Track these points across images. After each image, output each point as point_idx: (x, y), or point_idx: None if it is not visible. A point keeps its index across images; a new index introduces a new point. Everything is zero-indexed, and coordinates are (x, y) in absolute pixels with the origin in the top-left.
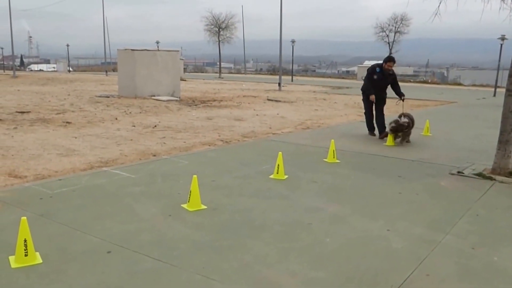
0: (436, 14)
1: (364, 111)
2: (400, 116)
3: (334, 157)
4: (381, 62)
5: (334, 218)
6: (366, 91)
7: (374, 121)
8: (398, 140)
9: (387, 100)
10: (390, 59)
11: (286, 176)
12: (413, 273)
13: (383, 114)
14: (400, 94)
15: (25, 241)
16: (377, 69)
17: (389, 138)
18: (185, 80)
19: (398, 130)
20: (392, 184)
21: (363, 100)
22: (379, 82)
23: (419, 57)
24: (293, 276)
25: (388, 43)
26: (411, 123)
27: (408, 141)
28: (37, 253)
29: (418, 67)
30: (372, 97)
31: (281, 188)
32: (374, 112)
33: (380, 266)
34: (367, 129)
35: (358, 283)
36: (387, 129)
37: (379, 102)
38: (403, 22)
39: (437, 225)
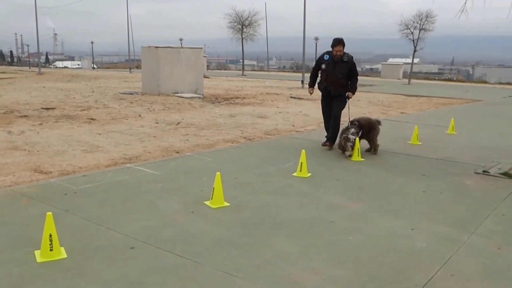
0: (463, 11)
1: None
2: (350, 124)
3: (358, 155)
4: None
5: (357, 216)
6: (310, 85)
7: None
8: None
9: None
10: (337, 42)
11: (309, 174)
12: (437, 273)
13: (338, 119)
14: (350, 89)
15: (50, 236)
16: (325, 56)
17: (354, 153)
18: (208, 78)
19: (344, 149)
20: (416, 183)
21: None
22: (330, 72)
23: (444, 55)
24: (315, 273)
25: (413, 40)
26: (359, 133)
27: (374, 151)
28: (62, 248)
29: (443, 64)
30: (310, 90)
31: (303, 186)
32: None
33: (403, 265)
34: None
35: (381, 281)
36: (337, 142)
37: (334, 101)
38: (428, 19)
39: (462, 224)
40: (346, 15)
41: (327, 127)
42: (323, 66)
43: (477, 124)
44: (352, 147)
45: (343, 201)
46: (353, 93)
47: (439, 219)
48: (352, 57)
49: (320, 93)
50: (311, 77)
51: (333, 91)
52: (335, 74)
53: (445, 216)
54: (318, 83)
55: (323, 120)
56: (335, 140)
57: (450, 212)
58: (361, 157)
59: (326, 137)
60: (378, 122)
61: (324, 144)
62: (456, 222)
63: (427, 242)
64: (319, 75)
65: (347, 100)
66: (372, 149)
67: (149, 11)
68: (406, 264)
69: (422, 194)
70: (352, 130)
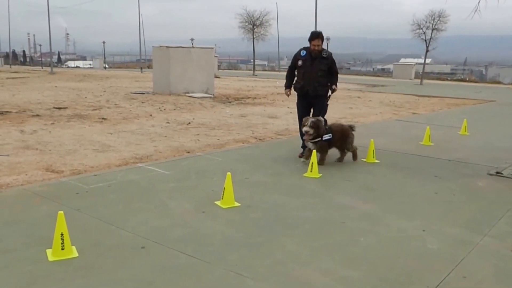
0: (476, 10)
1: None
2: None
3: (373, 157)
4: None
5: (368, 217)
6: (287, 85)
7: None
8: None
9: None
10: (316, 35)
11: (320, 175)
12: (449, 275)
13: None
14: (332, 86)
15: (62, 235)
16: (302, 52)
17: (369, 154)
18: (219, 77)
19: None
20: (428, 184)
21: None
22: (307, 70)
23: (457, 55)
24: (326, 274)
25: (425, 40)
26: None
27: (340, 160)
28: (73, 247)
29: (455, 65)
30: (287, 92)
31: (314, 186)
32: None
33: (415, 267)
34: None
35: (392, 283)
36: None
37: (314, 104)
38: (440, 19)
39: (475, 226)
40: (358, 15)
41: (303, 135)
42: (300, 62)
43: (490, 125)
44: (312, 127)
45: (354, 202)
46: (337, 87)
47: (451, 221)
48: (331, 54)
49: (297, 95)
50: (287, 77)
51: (311, 91)
52: (314, 72)
53: (458, 218)
54: (294, 83)
55: (299, 128)
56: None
57: (462, 213)
58: (376, 159)
59: (302, 147)
60: (352, 128)
61: (301, 155)
62: (469, 223)
63: (439, 244)
64: (296, 74)
65: (327, 103)
66: (342, 158)
67: (160, 11)
68: (417, 266)
69: (434, 195)
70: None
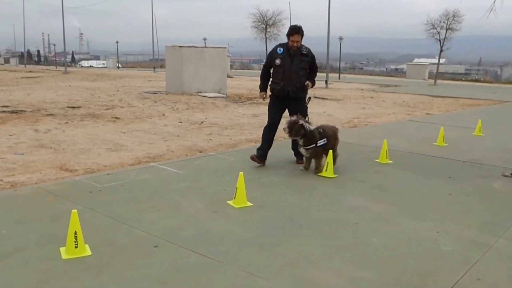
0: (491, 10)
1: None
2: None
3: (386, 158)
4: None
5: (382, 218)
6: (262, 88)
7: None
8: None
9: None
10: (295, 30)
11: (335, 175)
12: (463, 277)
13: None
14: (307, 81)
15: (75, 233)
16: (279, 50)
17: (382, 155)
18: (231, 77)
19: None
20: (442, 185)
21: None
22: (287, 68)
23: (471, 55)
24: (339, 275)
25: (439, 40)
26: (324, 143)
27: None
28: (87, 245)
29: (470, 65)
30: (262, 95)
31: (328, 187)
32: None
33: (428, 269)
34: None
35: (406, 285)
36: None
37: (292, 106)
38: (455, 18)
39: (489, 228)
40: (371, 14)
41: (267, 139)
42: (278, 61)
43: (505, 126)
44: (290, 128)
45: (367, 202)
46: (313, 85)
47: (465, 222)
48: (310, 49)
49: (271, 97)
50: (262, 78)
51: (292, 92)
52: (294, 70)
53: (472, 219)
54: (271, 84)
55: (264, 129)
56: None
57: (476, 215)
58: (389, 159)
59: (258, 149)
60: (337, 130)
61: (253, 158)
62: (483, 225)
63: (453, 245)
64: (272, 74)
65: (307, 102)
66: (334, 160)
67: (173, 11)
68: (431, 267)
69: (448, 196)
70: (306, 124)
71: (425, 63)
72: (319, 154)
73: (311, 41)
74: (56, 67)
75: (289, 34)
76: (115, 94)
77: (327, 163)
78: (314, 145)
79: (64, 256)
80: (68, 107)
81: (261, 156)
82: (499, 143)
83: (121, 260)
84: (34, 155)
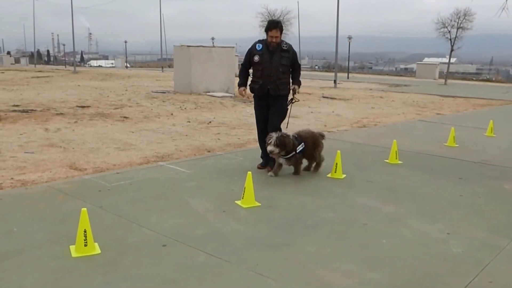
0: (504, 8)
1: None
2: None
3: (396, 158)
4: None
5: (391, 219)
6: (240, 83)
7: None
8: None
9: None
10: (273, 25)
11: (344, 176)
12: (474, 279)
13: (279, 126)
14: (294, 83)
15: (85, 231)
16: (258, 46)
17: (392, 156)
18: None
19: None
20: (453, 186)
21: None
22: (266, 65)
23: (483, 54)
24: (348, 276)
25: (450, 39)
26: (302, 148)
27: (316, 169)
28: (96, 244)
29: (481, 64)
30: (241, 90)
31: (337, 187)
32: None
33: (439, 270)
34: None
35: (416, 286)
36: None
37: (272, 106)
38: (466, 17)
39: (501, 230)
40: (380, 13)
41: (263, 143)
42: (256, 58)
43: None
44: (277, 145)
45: (376, 203)
46: (299, 86)
47: (476, 224)
48: (291, 45)
49: (254, 98)
50: (241, 74)
51: (272, 90)
52: (274, 67)
53: (483, 221)
54: (250, 83)
55: (258, 135)
56: (268, 163)
57: (488, 217)
58: (399, 160)
59: (262, 157)
60: (322, 136)
61: (261, 167)
62: (495, 227)
63: (464, 247)
64: (251, 72)
65: (290, 103)
66: (313, 167)
67: (181, 10)
68: (442, 269)
69: (458, 198)
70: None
71: (436, 63)
72: (299, 160)
73: (320, 40)
74: (65, 67)
75: (267, 30)
76: (123, 94)
77: (336, 163)
78: (294, 152)
79: (73, 254)
80: (77, 106)
81: (265, 163)
82: (511, 144)
83: (129, 259)
84: (44, 154)
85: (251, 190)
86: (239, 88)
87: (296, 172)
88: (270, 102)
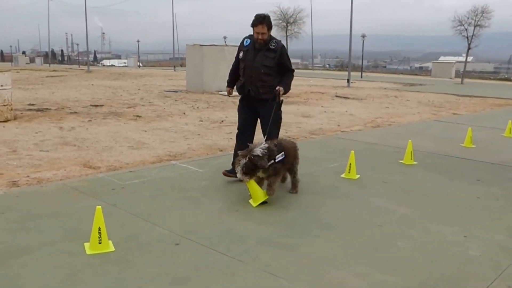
0: None
1: None
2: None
3: (411, 159)
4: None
5: (406, 220)
6: (229, 83)
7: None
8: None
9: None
10: (259, 20)
11: (358, 176)
12: (492, 284)
13: (276, 136)
14: (280, 83)
15: (99, 229)
16: (246, 41)
17: (407, 156)
18: None
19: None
20: (470, 188)
21: None
22: (249, 64)
23: (501, 53)
24: (361, 278)
25: (467, 37)
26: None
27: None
28: (110, 241)
29: (499, 63)
30: (228, 90)
31: (351, 188)
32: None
33: (455, 274)
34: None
35: None
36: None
37: (262, 112)
38: (483, 15)
39: None
40: (395, 11)
41: (236, 152)
42: (241, 54)
43: None
44: (246, 173)
45: (392, 204)
46: (285, 90)
47: (494, 227)
48: (283, 45)
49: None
50: (230, 73)
51: (253, 92)
52: (255, 67)
53: (501, 224)
54: (238, 81)
55: (237, 139)
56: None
57: (506, 219)
58: (414, 160)
59: (231, 169)
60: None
61: (227, 173)
62: None
63: (481, 251)
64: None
65: (278, 105)
66: (295, 186)
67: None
68: (458, 273)
69: (476, 200)
70: (259, 149)
71: (452, 61)
72: (278, 171)
73: (333, 39)
74: (79, 66)
75: (252, 25)
76: (136, 93)
77: (349, 164)
78: (272, 161)
79: (88, 251)
80: (91, 105)
81: (232, 171)
82: None
83: (143, 257)
84: (59, 152)
85: (264, 189)
86: (226, 86)
87: (271, 187)
88: (258, 107)
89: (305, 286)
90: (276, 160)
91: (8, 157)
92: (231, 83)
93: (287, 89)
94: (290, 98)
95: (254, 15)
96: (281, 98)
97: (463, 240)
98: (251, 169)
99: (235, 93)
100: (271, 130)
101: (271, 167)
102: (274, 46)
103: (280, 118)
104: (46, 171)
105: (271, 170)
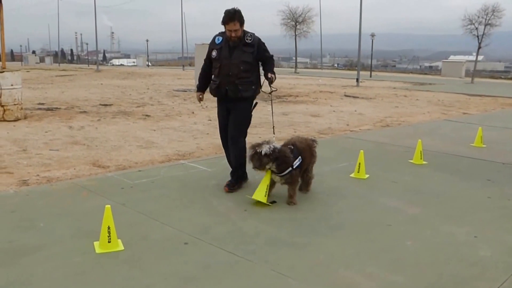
0: None
1: None
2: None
3: (421, 158)
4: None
5: (416, 220)
6: (199, 87)
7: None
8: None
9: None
10: (230, 16)
11: (367, 176)
12: (503, 285)
13: (239, 144)
14: (267, 74)
15: (108, 228)
16: (218, 39)
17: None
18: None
19: (260, 165)
20: (481, 188)
21: None
22: (225, 62)
23: None
24: (371, 278)
25: (477, 36)
26: (298, 162)
27: (307, 188)
28: (119, 240)
29: (510, 62)
30: (198, 95)
31: (360, 187)
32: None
33: (465, 274)
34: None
35: None
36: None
37: (233, 111)
38: (494, 13)
39: None
40: (404, 10)
41: (229, 156)
42: (214, 53)
43: None
44: (260, 164)
45: (401, 204)
46: (275, 76)
47: (505, 228)
48: (259, 38)
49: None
50: (200, 76)
51: (231, 92)
52: (234, 65)
53: None
54: (210, 84)
55: (222, 145)
56: (239, 181)
57: None
58: (423, 160)
59: (231, 173)
60: (314, 142)
61: (228, 190)
62: None
63: (492, 251)
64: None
65: (252, 107)
66: (307, 185)
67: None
68: (468, 273)
69: (486, 200)
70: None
71: (462, 60)
72: (295, 178)
73: (342, 38)
74: (88, 66)
75: (223, 23)
76: (145, 92)
77: (359, 163)
78: (290, 168)
79: (97, 250)
80: (100, 104)
81: (235, 181)
82: None
83: (152, 256)
84: (69, 151)
85: (272, 189)
86: (196, 91)
87: (292, 198)
88: (230, 107)
89: (314, 286)
90: (294, 167)
91: (18, 156)
92: (202, 87)
93: (275, 74)
94: (299, 98)
95: (224, 11)
96: (272, 87)
97: (473, 241)
98: (254, 159)
99: (206, 96)
100: (236, 132)
101: (288, 174)
102: (250, 39)
103: (250, 120)
104: (56, 170)
105: (289, 178)
